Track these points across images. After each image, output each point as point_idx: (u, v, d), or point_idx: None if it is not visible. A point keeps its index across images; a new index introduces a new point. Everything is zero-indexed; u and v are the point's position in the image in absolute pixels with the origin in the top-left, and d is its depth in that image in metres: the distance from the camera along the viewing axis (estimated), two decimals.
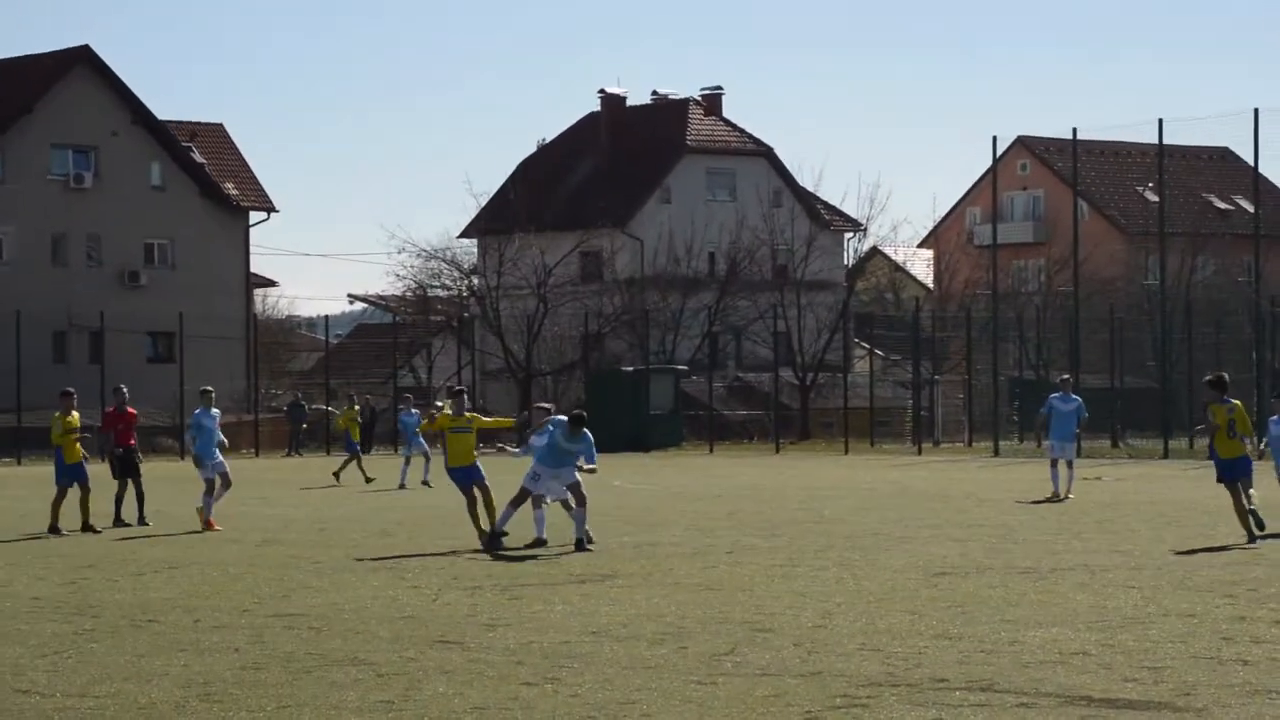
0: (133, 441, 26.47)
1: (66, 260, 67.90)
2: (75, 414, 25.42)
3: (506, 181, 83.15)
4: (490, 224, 76.13)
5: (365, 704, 10.71)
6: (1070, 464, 29.30)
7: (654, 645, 13.02)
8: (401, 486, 35.81)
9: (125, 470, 26.04)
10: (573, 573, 18.31)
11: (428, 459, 36.23)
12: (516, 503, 21.08)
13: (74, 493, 24.69)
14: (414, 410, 39.38)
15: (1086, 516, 25.59)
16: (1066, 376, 34.84)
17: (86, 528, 24.45)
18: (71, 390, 25.90)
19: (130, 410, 26.75)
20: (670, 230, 75.74)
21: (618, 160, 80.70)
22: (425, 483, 35.93)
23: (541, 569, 18.80)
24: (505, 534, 20.98)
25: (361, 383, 72.68)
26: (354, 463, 38.94)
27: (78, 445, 25.17)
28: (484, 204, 79.99)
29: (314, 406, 65.63)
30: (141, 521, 25.73)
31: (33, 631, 14.28)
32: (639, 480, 38.73)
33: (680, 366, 65.09)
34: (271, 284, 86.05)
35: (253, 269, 75.19)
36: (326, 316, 76.40)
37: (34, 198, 66.57)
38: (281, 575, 18.49)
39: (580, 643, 13.17)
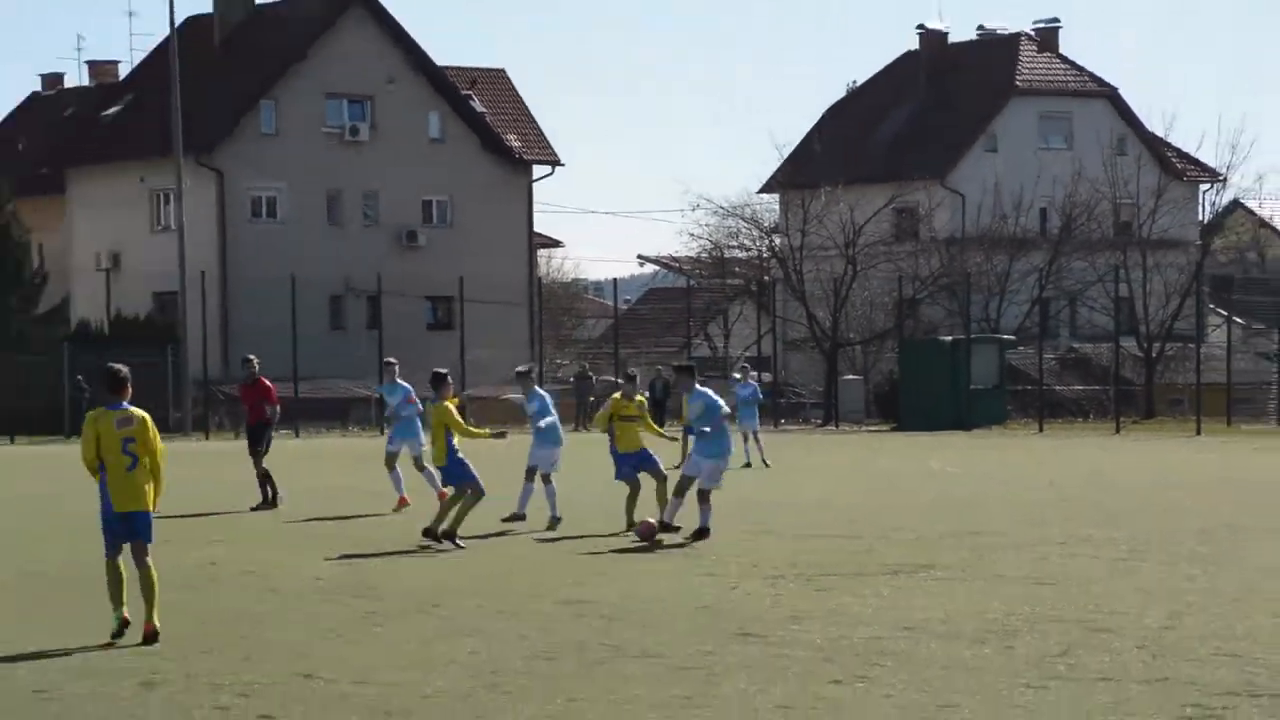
0: (266, 417, 26.38)
1: (342, 219, 69.87)
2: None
3: (811, 131, 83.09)
4: (793, 178, 76.11)
5: (660, 699, 10.95)
6: None
7: (975, 644, 13.02)
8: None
9: (253, 445, 26.24)
10: (885, 563, 18.36)
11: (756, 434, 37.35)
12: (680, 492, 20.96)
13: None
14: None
15: None
16: None
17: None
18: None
19: (262, 380, 26.65)
20: (997, 183, 74.82)
21: (937, 105, 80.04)
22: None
23: (850, 558, 18.88)
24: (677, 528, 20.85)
25: (653, 352, 73.53)
26: None
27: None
28: (786, 156, 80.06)
29: (602, 378, 66.61)
30: (268, 504, 25.95)
31: (317, 614, 14.88)
32: (958, 462, 38.48)
33: (1006, 336, 64.32)
34: (556, 244, 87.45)
35: (536, 228, 76.46)
36: (615, 280, 77.34)
37: (308, 152, 68.65)
38: (571, 561, 18.90)
39: (893, 639, 13.23)
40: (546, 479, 22.62)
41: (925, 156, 76.63)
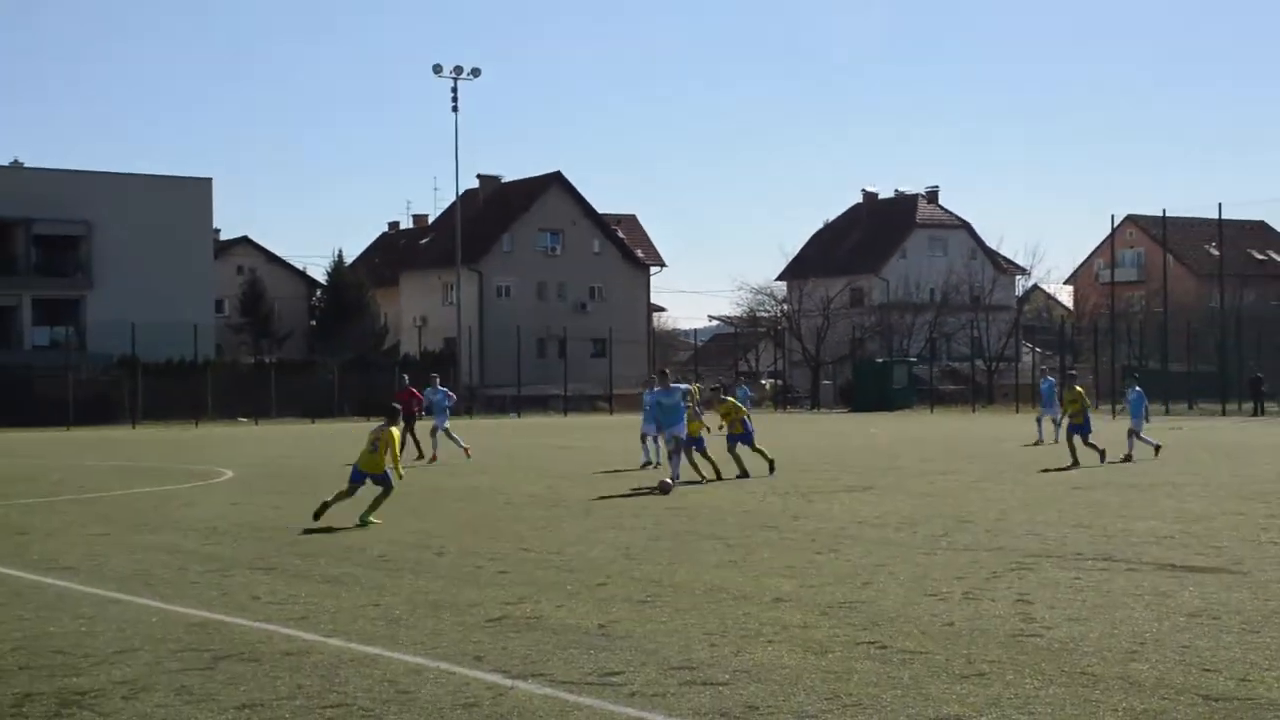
0: (415, 411, 24.03)
1: (546, 297, 70.22)
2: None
3: (806, 244, 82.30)
4: (794, 271, 75.88)
5: (719, 561, 10.57)
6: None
7: (896, 530, 12.57)
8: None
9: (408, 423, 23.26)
10: (845, 485, 17.66)
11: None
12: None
13: None
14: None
15: (1169, 458, 23.93)
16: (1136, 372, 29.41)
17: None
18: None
19: (410, 389, 24.46)
20: (906, 275, 73.63)
21: (874, 230, 78.67)
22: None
23: (826, 482, 18.09)
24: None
25: (716, 369, 72.97)
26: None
27: None
28: (791, 258, 79.47)
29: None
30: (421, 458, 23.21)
31: (539, 516, 14.38)
32: (884, 428, 37.25)
33: (912, 358, 63.05)
34: (662, 310, 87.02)
35: (652, 300, 76.30)
36: (695, 330, 76.97)
37: (529, 261, 69.10)
38: (676, 491, 18.40)
39: (850, 528, 12.80)
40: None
41: (867, 259, 75.90)
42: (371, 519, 13.17)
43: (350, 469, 13.36)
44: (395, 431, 13.09)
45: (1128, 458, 21.59)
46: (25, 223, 55.39)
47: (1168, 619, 7.94)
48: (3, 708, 6.19)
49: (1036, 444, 26.30)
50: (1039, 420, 27.51)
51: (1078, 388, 21.12)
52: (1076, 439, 20.65)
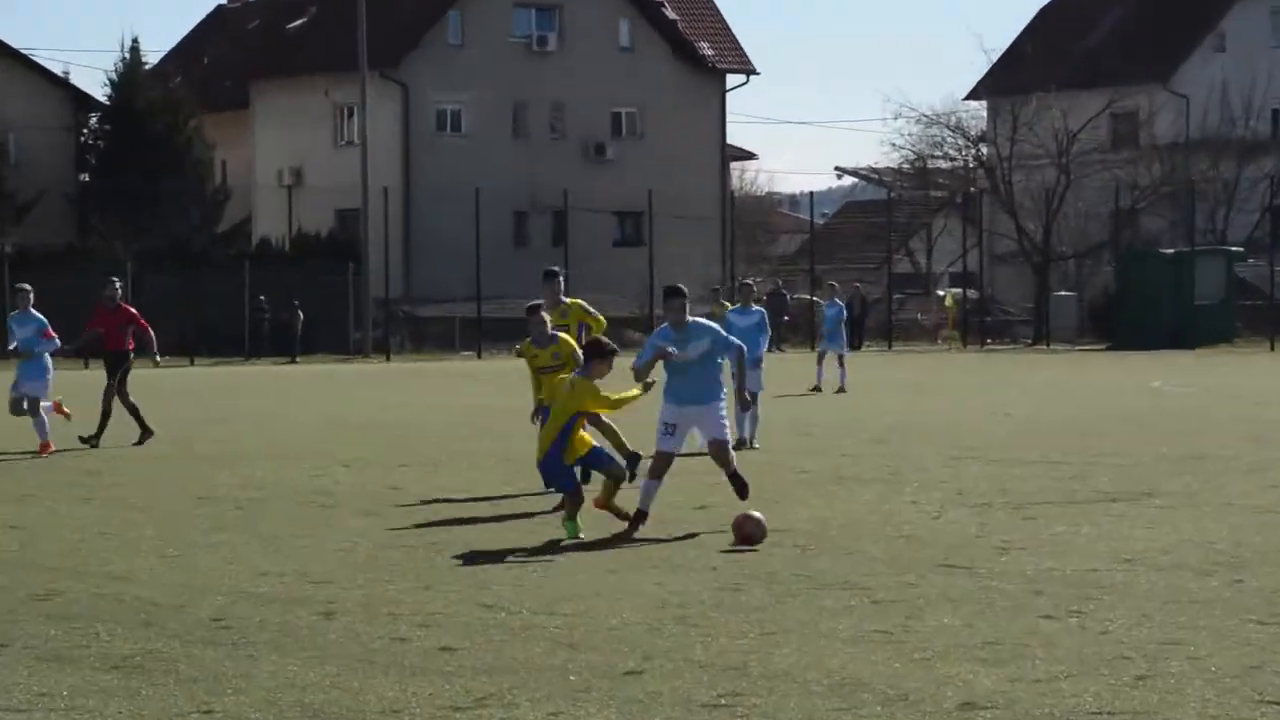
0: (128, 346, 25.15)
1: (528, 132, 70.18)
2: None
3: (1022, 33, 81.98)
4: (1002, 83, 75.32)
5: (859, 633, 10.85)
6: None
7: (1201, 576, 12.77)
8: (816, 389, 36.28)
9: (110, 376, 25.05)
10: (1100, 490, 18.10)
11: (841, 358, 37.00)
12: None
13: None
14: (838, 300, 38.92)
15: None
16: None
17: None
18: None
19: (124, 306, 25.53)
20: (1224, 84, 73.34)
21: (1157, 3, 78.50)
22: (816, 388, 36.19)
23: (1061, 484, 18.64)
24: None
25: (850, 268, 73.19)
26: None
27: None
28: (995, 60, 79.17)
29: (797, 296, 66.43)
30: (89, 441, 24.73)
31: (500, 541, 14.96)
32: (1181, 382, 37.87)
33: (1234, 247, 63.14)
34: (750, 156, 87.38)
35: (729, 140, 76.28)
36: (812, 193, 77.07)
37: (494, 63, 68.96)
38: (761, 485, 18.81)
39: (1110, 571, 13.03)
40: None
41: (1145, 58, 75.29)
42: None
43: None
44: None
45: None
46: None
47: None
48: None
49: None
50: None
51: None
52: None
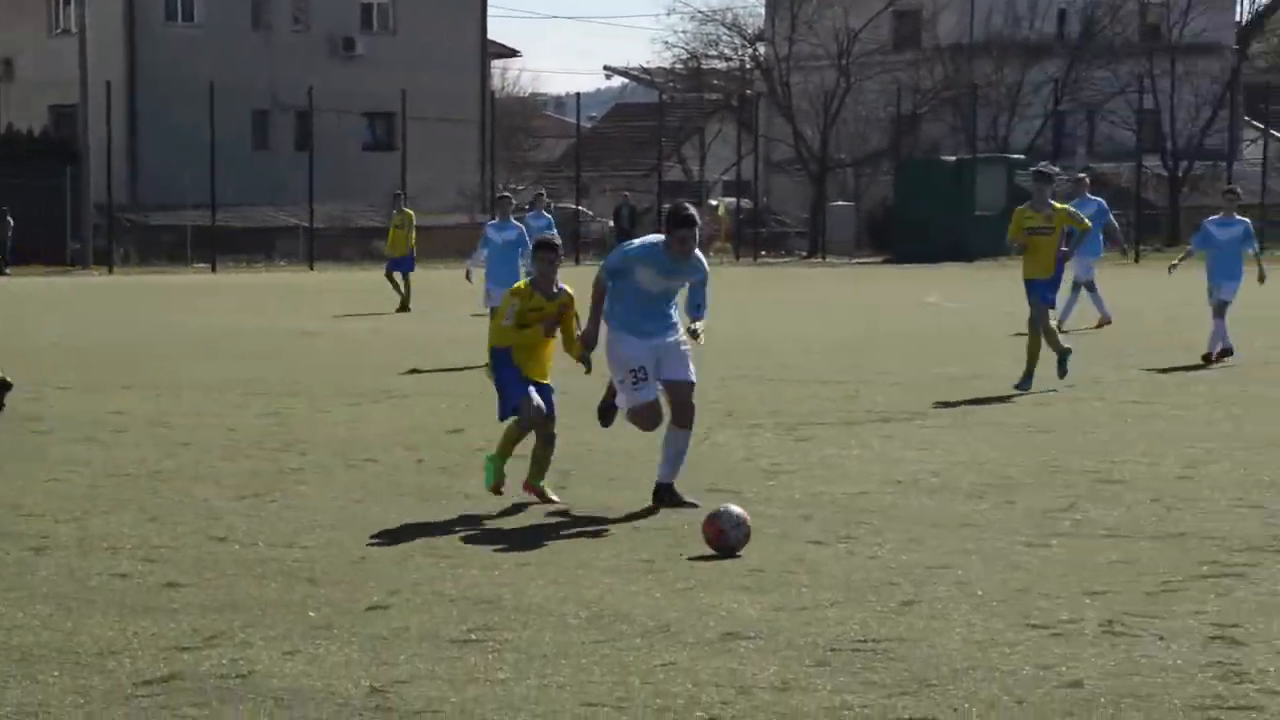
0: None
1: (269, 23, 69.19)
2: None
3: None
4: None
5: (619, 563, 10.97)
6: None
7: (972, 499, 13.06)
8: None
9: None
10: (872, 410, 18.39)
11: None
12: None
13: None
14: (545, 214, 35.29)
15: None
16: (1233, 188, 27.47)
17: None
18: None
19: None
20: None
21: None
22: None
23: (833, 405, 18.91)
24: None
25: (618, 175, 73.35)
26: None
27: None
28: None
29: (561, 205, 66.44)
30: None
31: (229, 470, 14.86)
32: (958, 297, 38.51)
33: (1016, 155, 64.24)
34: (512, 54, 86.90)
35: (490, 35, 75.91)
36: (578, 95, 76.62)
37: None
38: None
39: (881, 494, 13.30)
40: None
41: None
42: None
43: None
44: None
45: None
46: None
47: None
48: None
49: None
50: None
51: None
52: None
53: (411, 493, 13.65)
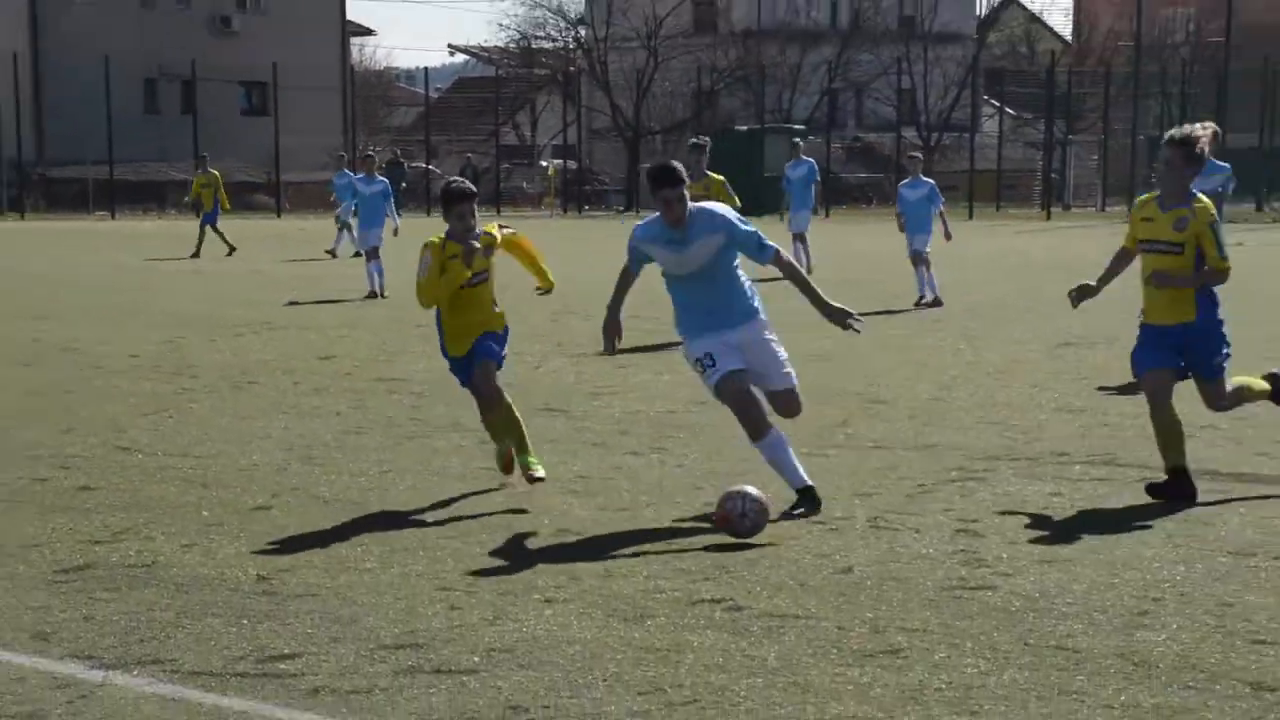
0: None
1: (154, 2, 67.80)
2: None
3: None
4: None
5: (467, 471, 11.03)
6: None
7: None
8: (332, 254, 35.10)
9: None
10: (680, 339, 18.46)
11: (350, 229, 33.61)
12: None
13: None
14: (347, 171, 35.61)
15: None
16: (915, 154, 27.75)
17: None
18: None
19: None
20: None
21: None
22: (330, 252, 35.23)
23: (648, 336, 18.99)
24: None
25: (462, 139, 72.87)
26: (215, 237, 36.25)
27: None
28: None
29: (414, 165, 65.91)
30: None
31: (132, 390, 14.73)
32: None
33: (797, 125, 64.59)
34: (369, 33, 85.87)
35: (349, 16, 75.01)
36: (426, 69, 75.99)
37: None
38: (383, 340, 18.85)
39: (688, 413, 13.41)
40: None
41: None
42: None
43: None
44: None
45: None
46: None
47: (1201, 560, 8.53)
48: None
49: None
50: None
51: None
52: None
53: (289, 410, 13.61)
